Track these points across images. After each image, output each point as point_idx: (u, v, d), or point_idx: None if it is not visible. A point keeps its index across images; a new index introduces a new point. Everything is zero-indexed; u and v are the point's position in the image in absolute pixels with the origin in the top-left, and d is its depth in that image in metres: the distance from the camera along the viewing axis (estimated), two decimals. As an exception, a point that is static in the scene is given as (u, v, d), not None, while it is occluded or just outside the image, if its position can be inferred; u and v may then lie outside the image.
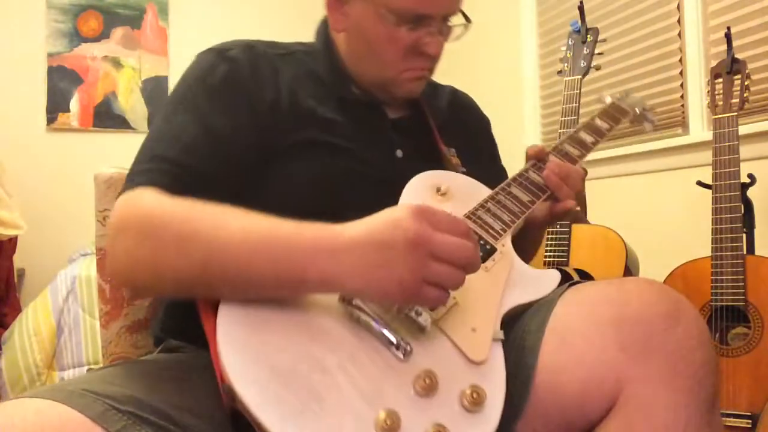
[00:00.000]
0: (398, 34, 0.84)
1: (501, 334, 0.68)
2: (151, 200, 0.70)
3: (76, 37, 3.11)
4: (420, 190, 0.82)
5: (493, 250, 0.77)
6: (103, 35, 3.15)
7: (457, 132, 0.98)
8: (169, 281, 0.66)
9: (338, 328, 0.63)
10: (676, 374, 0.63)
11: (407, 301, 0.64)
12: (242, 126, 0.80)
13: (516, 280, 0.76)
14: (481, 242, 0.76)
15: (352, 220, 0.65)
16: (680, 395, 0.62)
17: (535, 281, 0.77)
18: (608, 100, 1.12)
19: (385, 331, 0.63)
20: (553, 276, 0.77)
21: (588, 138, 0.99)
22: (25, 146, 2.97)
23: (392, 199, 0.78)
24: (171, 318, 0.85)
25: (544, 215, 0.91)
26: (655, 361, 0.63)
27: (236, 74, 0.83)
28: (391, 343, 0.62)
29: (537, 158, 0.91)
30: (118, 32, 3.18)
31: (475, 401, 0.61)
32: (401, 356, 0.62)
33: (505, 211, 0.82)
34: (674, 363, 0.63)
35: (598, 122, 1.03)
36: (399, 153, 0.90)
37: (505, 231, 0.79)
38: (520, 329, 0.72)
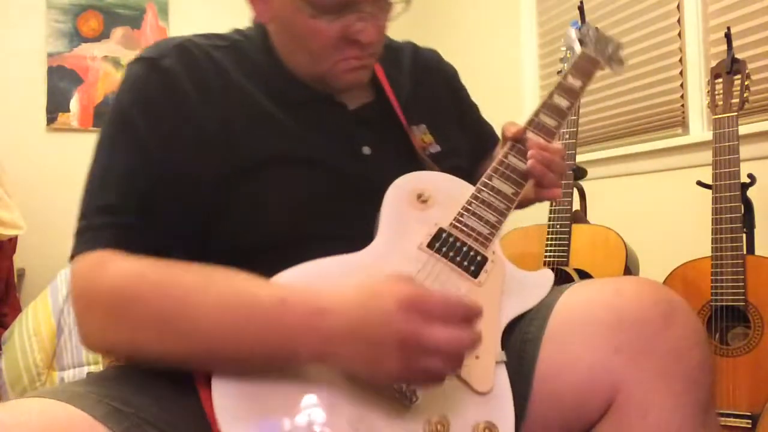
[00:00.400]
0: (319, 26, 0.74)
1: (503, 356, 0.67)
2: (115, 271, 0.65)
3: (76, 37, 3.11)
4: (400, 201, 0.77)
5: (485, 260, 0.74)
6: (103, 35, 3.15)
7: (425, 103, 0.91)
8: (153, 358, 0.64)
9: (341, 381, 0.61)
10: (671, 375, 0.63)
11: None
12: (192, 156, 0.73)
13: (511, 288, 0.74)
14: (471, 253, 0.74)
15: (325, 235, 0.63)
16: (676, 396, 0.62)
17: (529, 285, 0.75)
18: (577, 47, 1.04)
19: None
20: (547, 276, 0.76)
21: (563, 102, 0.92)
22: (25, 146, 2.97)
23: (365, 205, 0.74)
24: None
25: (528, 198, 0.86)
26: (650, 362, 0.63)
27: (175, 90, 0.74)
28: (396, 390, 0.61)
29: (515, 139, 0.86)
30: (118, 32, 3.18)
31: None
32: (408, 403, 0.61)
33: (490, 211, 0.78)
34: (669, 363, 0.63)
35: (571, 80, 0.95)
36: (366, 150, 0.82)
37: (493, 235, 0.76)
38: (518, 337, 0.71)
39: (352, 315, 0.59)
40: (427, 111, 0.91)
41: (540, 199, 0.86)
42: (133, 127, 0.73)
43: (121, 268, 0.65)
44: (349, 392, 0.61)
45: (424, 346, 0.57)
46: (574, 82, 0.95)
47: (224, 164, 0.73)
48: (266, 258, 0.66)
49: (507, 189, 0.81)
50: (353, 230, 0.68)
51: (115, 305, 0.64)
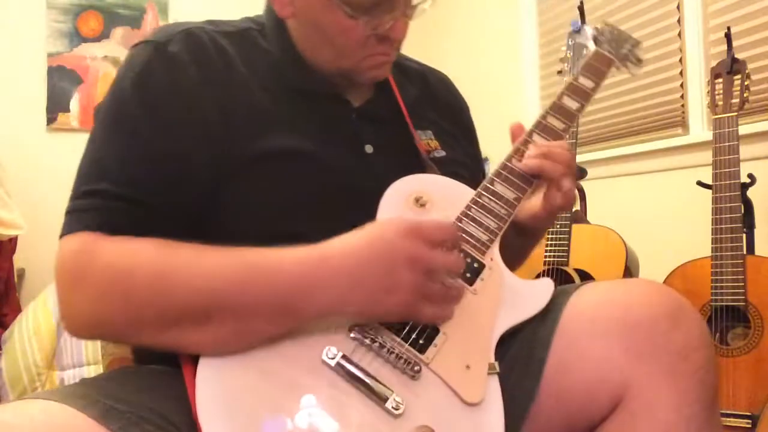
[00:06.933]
0: (354, 25, 0.74)
1: (497, 367, 0.66)
2: (107, 249, 0.64)
3: (76, 37, 3.11)
4: (397, 203, 0.75)
5: (481, 267, 0.72)
6: (103, 35, 3.15)
7: (432, 112, 0.90)
8: (147, 330, 0.63)
9: (325, 388, 0.60)
10: (678, 374, 0.63)
11: (407, 320, 0.65)
12: (192, 143, 0.71)
13: (508, 297, 0.71)
14: (468, 260, 0.71)
15: (321, 234, 0.63)
16: (683, 394, 0.63)
17: (527, 295, 0.73)
18: (591, 45, 0.99)
19: (375, 386, 0.61)
20: (546, 286, 0.73)
21: (572, 104, 0.87)
22: (25, 146, 2.97)
23: (364, 204, 0.73)
24: (144, 350, 0.78)
25: (536, 216, 0.82)
26: (658, 361, 0.64)
27: (179, 77, 0.72)
28: (383, 399, 0.60)
29: (518, 140, 0.83)
30: (118, 32, 3.18)
31: None
32: (394, 413, 0.60)
33: (490, 217, 0.75)
34: (677, 363, 0.64)
35: (582, 80, 0.90)
36: (368, 148, 0.80)
37: (492, 242, 0.74)
38: (527, 338, 0.71)
39: (357, 254, 0.61)
40: (434, 120, 0.90)
41: (551, 209, 0.79)
42: (130, 114, 0.71)
43: (113, 246, 0.65)
44: (336, 396, 0.60)
45: (432, 267, 0.62)
46: (586, 82, 0.90)
47: (222, 155, 0.72)
48: None
49: (509, 194, 0.78)
50: (349, 229, 0.68)
51: (107, 279, 0.63)
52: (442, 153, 0.86)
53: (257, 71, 0.78)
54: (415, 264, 0.61)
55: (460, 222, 0.74)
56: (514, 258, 0.85)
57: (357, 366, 0.62)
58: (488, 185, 0.78)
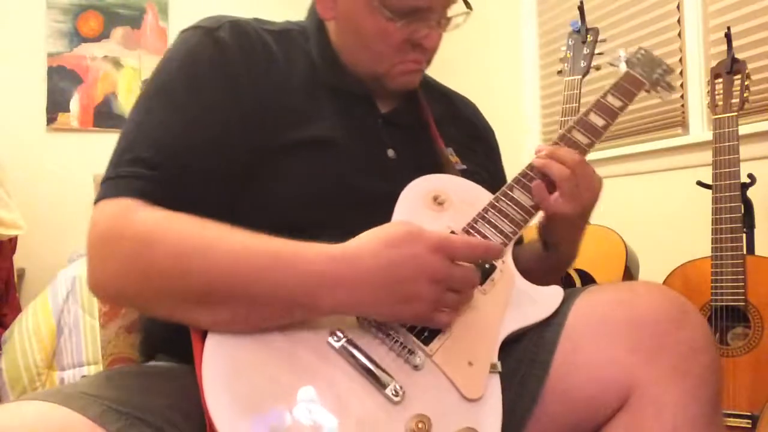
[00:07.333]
0: (392, 28, 0.78)
1: (499, 366, 0.67)
2: (141, 217, 0.66)
3: (76, 37, 3.11)
4: (415, 200, 0.77)
5: (493, 268, 0.73)
6: (103, 35, 3.16)
7: (454, 129, 0.93)
8: (167, 301, 0.64)
9: (328, 369, 0.62)
10: (684, 374, 0.64)
11: (419, 325, 0.66)
12: (231, 126, 0.74)
13: (516, 300, 0.72)
14: (480, 260, 0.71)
15: (339, 226, 0.64)
16: (688, 394, 0.64)
17: (537, 301, 0.73)
18: (623, 66, 0.99)
19: (377, 372, 0.62)
20: (556, 292, 0.74)
21: (599, 121, 0.87)
22: (25, 146, 2.97)
23: (382, 205, 0.74)
24: (154, 336, 0.81)
25: (546, 217, 0.82)
26: (664, 361, 0.65)
27: (224, 62, 0.76)
28: (383, 385, 0.61)
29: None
30: (118, 32, 3.18)
31: None
32: (393, 399, 0.61)
33: (506, 222, 0.76)
34: (682, 364, 0.65)
35: (610, 99, 0.91)
36: (391, 153, 0.84)
37: (505, 245, 0.75)
38: (533, 340, 0.72)
39: (385, 259, 0.62)
40: (456, 138, 0.91)
41: (556, 213, 0.79)
42: (176, 89, 0.74)
43: (148, 215, 0.66)
44: (338, 377, 0.61)
45: (454, 284, 0.64)
46: (614, 101, 0.91)
47: (255, 140, 0.75)
48: None
49: (526, 201, 0.79)
50: (365, 227, 0.69)
51: (138, 245, 0.64)
52: (463, 166, 0.87)
53: (295, 68, 0.81)
54: (439, 280, 0.63)
55: (476, 223, 0.76)
56: (546, 274, 0.86)
57: (361, 351, 0.63)
58: (507, 191, 0.80)
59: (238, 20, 0.81)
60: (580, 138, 0.85)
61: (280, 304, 0.62)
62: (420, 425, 0.59)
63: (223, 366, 0.59)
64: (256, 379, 0.59)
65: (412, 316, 0.64)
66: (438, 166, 0.85)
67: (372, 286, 0.61)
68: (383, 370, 0.62)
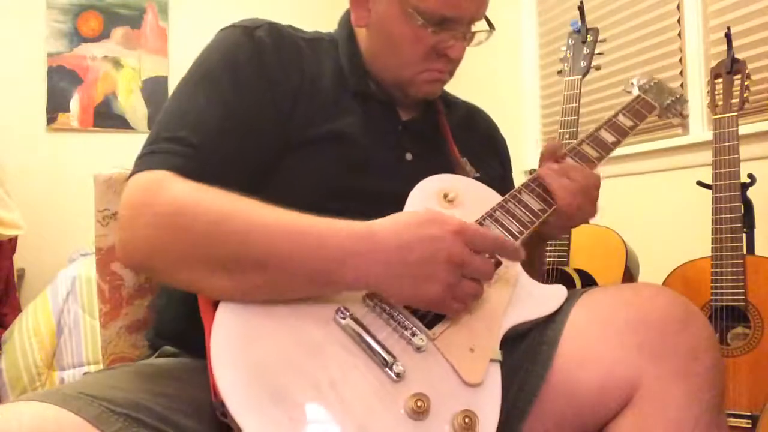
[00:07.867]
0: (422, 35, 0.83)
1: (500, 355, 0.68)
2: (177, 188, 0.68)
3: (76, 37, 3.11)
4: (426, 197, 0.80)
5: (499, 263, 0.75)
6: (103, 35, 3.15)
7: (470, 140, 0.97)
8: (193, 268, 0.65)
9: (333, 345, 0.63)
10: (688, 374, 0.66)
11: (432, 310, 0.67)
12: (264, 115, 0.78)
13: (520, 296, 0.74)
14: (486, 255, 0.73)
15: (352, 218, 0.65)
16: (692, 394, 0.65)
17: (540, 297, 0.76)
18: (635, 91, 1.05)
19: (380, 350, 0.63)
20: (559, 292, 0.76)
21: (609, 137, 0.93)
22: (25, 146, 2.97)
23: (397, 209, 0.75)
24: (166, 324, 0.84)
25: (551, 228, 0.86)
26: (669, 361, 0.66)
27: (262, 58, 0.81)
28: (385, 363, 0.62)
29: (551, 160, 0.88)
30: (118, 32, 3.18)
31: (466, 426, 0.60)
32: (394, 377, 0.62)
33: (513, 221, 0.79)
34: (686, 363, 0.66)
35: (622, 119, 0.96)
36: (408, 156, 0.88)
37: None
38: (535, 338, 0.73)
39: (403, 236, 0.64)
40: (471, 149, 0.95)
41: (551, 226, 0.85)
42: (216, 77, 0.79)
43: (182, 185, 0.68)
44: (341, 354, 0.62)
45: (469, 270, 0.65)
46: (625, 121, 0.96)
47: (284, 133, 0.79)
48: None
49: (535, 204, 0.82)
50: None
51: (172, 210, 0.66)
52: (477, 174, 0.91)
53: (324, 72, 0.86)
54: (456, 264, 0.64)
55: (484, 221, 0.78)
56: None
57: (365, 329, 0.64)
58: (516, 193, 0.83)
59: (275, 23, 0.86)
60: (590, 151, 0.90)
61: (303, 277, 0.64)
62: (419, 404, 0.60)
63: (232, 333, 0.61)
64: (263, 348, 0.60)
65: (427, 298, 0.65)
66: (452, 172, 0.88)
67: (390, 264, 0.63)
68: (386, 349, 0.63)
